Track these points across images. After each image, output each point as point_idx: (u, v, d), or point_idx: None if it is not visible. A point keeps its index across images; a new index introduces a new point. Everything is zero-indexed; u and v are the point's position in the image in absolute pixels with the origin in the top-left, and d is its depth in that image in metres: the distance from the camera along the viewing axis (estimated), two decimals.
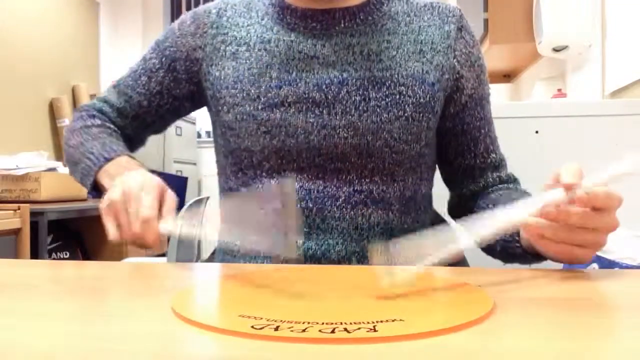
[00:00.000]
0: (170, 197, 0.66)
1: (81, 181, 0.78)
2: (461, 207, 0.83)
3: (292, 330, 0.35)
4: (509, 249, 0.69)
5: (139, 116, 0.85)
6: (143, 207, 0.62)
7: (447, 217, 0.91)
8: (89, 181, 0.76)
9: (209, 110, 0.84)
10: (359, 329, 0.35)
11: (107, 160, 0.75)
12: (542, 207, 0.54)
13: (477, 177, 0.82)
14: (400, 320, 0.38)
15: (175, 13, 4.40)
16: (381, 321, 0.37)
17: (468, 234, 0.55)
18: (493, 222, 0.55)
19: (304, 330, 0.35)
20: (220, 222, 0.59)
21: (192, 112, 0.89)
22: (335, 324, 0.37)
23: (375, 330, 0.35)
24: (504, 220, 0.55)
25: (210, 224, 0.62)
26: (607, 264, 1.04)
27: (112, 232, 0.65)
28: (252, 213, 0.63)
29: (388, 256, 0.51)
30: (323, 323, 0.37)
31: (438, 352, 0.32)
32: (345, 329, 0.35)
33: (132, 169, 0.71)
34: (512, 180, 0.83)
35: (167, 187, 0.68)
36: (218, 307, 0.45)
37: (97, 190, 0.76)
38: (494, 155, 0.82)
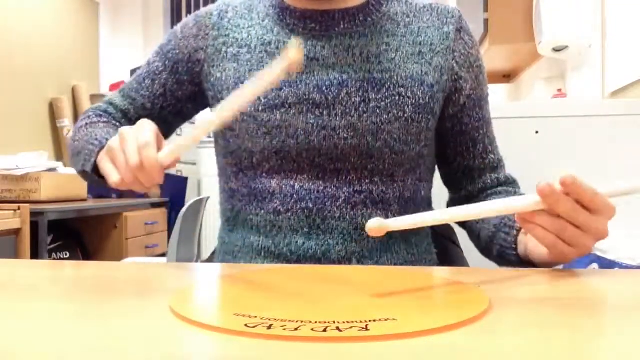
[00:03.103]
0: (164, 141, 0.64)
1: (82, 167, 0.76)
2: None
3: (284, 329, 0.35)
4: (505, 255, 0.70)
5: (142, 119, 0.85)
6: (140, 137, 0.60)
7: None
8: (90, 163, 0.73)
9: (212, 111, 0.84)
10: (351, 328, 0.36)
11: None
12: (537, 187, 0.55)
13: (475, 178, 0.82)
14: (393, 319, 0.38)
15: (175, 13, 4.40)
16: (374, 320, 0.37)
17: (459, 208, 0.56)
18: (487, 205, 0.57)
19: (296, 329, 0.35)
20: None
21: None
22: (328, 323, 0.37)
23: (367, 330, 0.35)
24: (497, 206, 0.56)
25: (202, 121, 0.58)
26: (607, 264, 1.04)
27: (112, 174, 0.62)
28: None
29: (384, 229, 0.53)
30: (316, 322, 0.37)
31: (430, 352, 0.32)
32: (338, 328, 0.35)
33: None
34: (511, 182, 0.83)
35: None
36: (214, 306, 0.46)
37: (98, 176, 0.74)
38: (492, 156, 0.82)
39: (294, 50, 0.52)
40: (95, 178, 0.74)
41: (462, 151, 0.81)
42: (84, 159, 0.76)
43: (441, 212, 0.56)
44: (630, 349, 0.33)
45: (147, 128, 0.62)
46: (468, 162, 0.81)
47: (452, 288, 0.51)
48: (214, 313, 0.43)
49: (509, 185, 0.82)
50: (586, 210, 0.54)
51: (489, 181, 0.81)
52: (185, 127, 0.58)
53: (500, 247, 0.71)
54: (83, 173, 0.78)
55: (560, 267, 0.63)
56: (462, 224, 0.86)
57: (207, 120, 0.58)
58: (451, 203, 0.87)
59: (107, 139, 0.72)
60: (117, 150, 0.62)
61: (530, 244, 0.65)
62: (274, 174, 0.75)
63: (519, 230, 0.68)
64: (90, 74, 3.74)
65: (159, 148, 0.61)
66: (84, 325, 0.39)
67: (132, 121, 0.86)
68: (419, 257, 0.78)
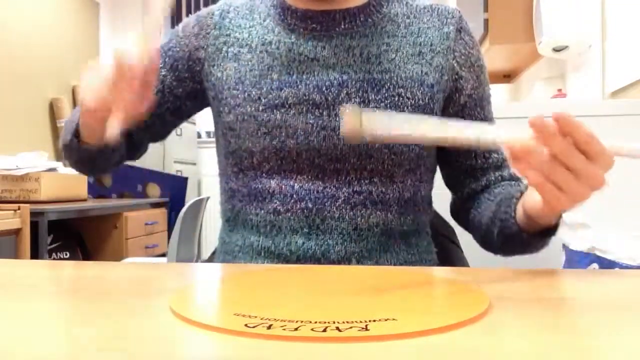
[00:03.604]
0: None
1: (64, 138, 0.74)
2: (463, 208, 0.83)
3: (284, 329, 0.35)
4: (506, 230, 0.68)
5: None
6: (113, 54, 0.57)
7: (448, 218, 0.91)
8: (73, 126, 0.72)
9: (212, 111, 0.84)
10: (350, 328, 0.36)
11: None
12: (529, 120, 0.51)
13: (479, 177, 0.81)
14: (393, 319, 0.38)
15: (175, 13, 4.40)
16: (374, 320, 0.37)
17: (449, 123, 0.54)
18: (479, 128, 0.53)
19: (296, 329, 0.35)
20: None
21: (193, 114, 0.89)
22: (328, 323, 0.37)
23: (367, 330, 0.35)
24: (490, 132, 0.54)
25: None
26: (607, 264, 1.04)
27: (88, 92, 0.59)
28: None
29: (359, 119, 0.50)
30: (315, 322, 0.37)
31: (429, 352, 0.32)
32: (337, 328, 0.35)
33: None
34: (516, 178, 0.82)
35: None
36: (214, 306, 0.46)
37: (78, 140, 0.72)
38: (495, 155, 0.81)
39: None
40: (75, 144, 0.73)
41: (463, 151, 0.81)
42: (66, 131, 0.75)
43: (428, 124, 0.52)
44: (630, 349, 0.33)
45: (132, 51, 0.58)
46: (470, 161, 0.81)
47: (452, 288, 0.51)
48: (214, 313, 0.43)
49: (514, 182, 0.82)
50: (581, 154, 0.51)
51: (492, 178, 0.80)
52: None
53: (500, 222, 0.69)
54: (67, 148, 0.76)
55: (561, 267, 0.63)
56: (463, 222, 0.84)
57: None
58: (454, 203, 0.86)
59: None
60: (92, 72, 0.58)
61: (525, 199, 0.63)
62: (274, 174, 0.75)
63: (517, 199, 0.67)
64: None
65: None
66: (84, 325, 0.39)
67: None
68: (419, 257, 0.78)
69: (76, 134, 0.74)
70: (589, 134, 0.50)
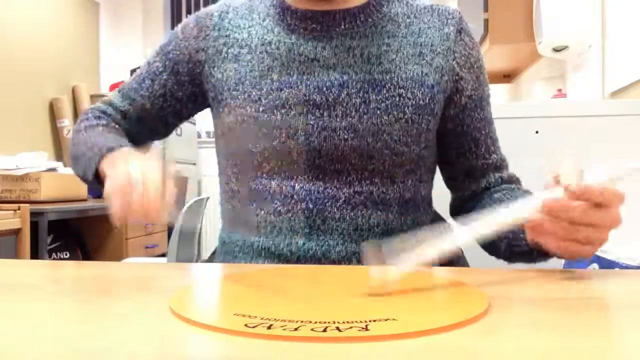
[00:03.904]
0: (168, 181, 0.64)
1: (83, 174, 0.77)
2: (463, 209, 0.83)
3: (284, 329, 0.35)
4: (514, 248, 0.69)
5: (142, 119, 0.86)
6: (148, 188, 0.60)
7: (448, 219, 0.91)
8: (91, 171, 0.73)
9: (212, 112, 0.84)
10: (350, 328, 0.36)
11: (111, 150, 0.72)
12: (543, 203, 0.54)
13: (478, 178, 0.81)
14: (393, 319, 0.38)
15: (175, 13, 4.40)
16: (374, 320, 0.37)
17: (466, 231, 0.55)
18: (493, 219, 0.55)
19: (296, 329, 0.35)
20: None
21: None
22: (328, 323, 0.37)
23: (367, 330, 0.35)
24: (504, 218, 0.55)
25: None
26: (607, 264, 1.04)
27: (115, 214, 0.61)
28: None
29: (382, 256, 0.51)
30: (316, 322, 0.37)
31: (429, 352, 0.32)
32: (337, 328, 0.35)
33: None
34: (515, 180, 0.83)
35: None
36: (214, 306, 0.46)
37: (99, 182, 0.75)
38: (495, 156, 0.82)
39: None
40: (96, 185, 0.75)
41: (464, 152, 0.81)
42: (84, 166, 0.76)
43: (445, 241, 0.53)
44: (630, 349, 0.33)
45: (154, 174, 0.62)
46: (470, 162, 0.81)
47: (452, 288, 0.51)
48: (214, 313, 0.43)
49: (513, 184, 0.82)
50: (597, 207, 0.53)
51: (492, 180, 0.81)
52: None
53: (507, 240, 0.69)
54: (84, 179, 0.78)
55: (561, 267, 0.63)
56: (463, 222, 0.85)
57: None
58: (454, 203, 0.86)
59: (107, 147, 0.72)
60: (123, 194, 0.61)
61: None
62: (274, 175, 0.75)
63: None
64: (90, 74, 3.74)
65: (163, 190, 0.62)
66: (84, 325, 0.39)
67: (131, 121, 0.86)
68: None
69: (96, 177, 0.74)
70: (601, 189, 0.52)
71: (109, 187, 0.64)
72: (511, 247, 0.70)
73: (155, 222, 0.60)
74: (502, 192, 0.78)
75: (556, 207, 0.53)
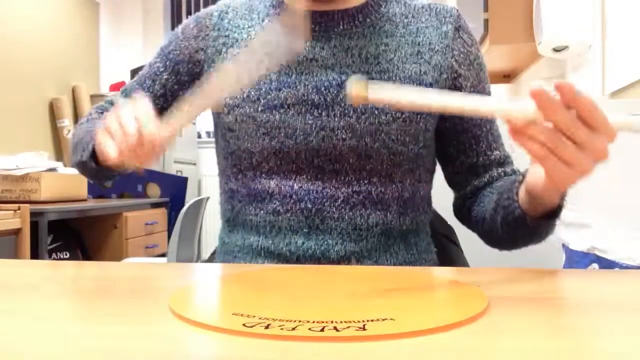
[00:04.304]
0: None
1: (80, 157, 0.75)
2: (466, 205, 0.82)
3: (282, 329, 0.35)
4: (509, 216, 0.67)
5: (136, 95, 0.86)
6: (138, 111, 0.59)
7: (448, 219, 0.91)
8: (88, 150, 0.72)
9: (211, 111, 0.84)
10: (348, 327, 0.36)
11: None
12: (531, 91, 0.49)
13: (481, 174, 0.80)
14: (391, 319, 0.38)
15: (175, 13, 4.40)
16: (371, 320, 0.37)
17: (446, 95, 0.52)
18: (481, 100, 0.53)
19: (293, 329, 0.35)
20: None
21: None
22: (326, 322, 0.37)
23: (364, 329, 0.35)
24: (490, 105, 0.53)
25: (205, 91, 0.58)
26: (607, 264, 1.04)
27: (110, 150, 0.59)
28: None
29: (366, 94, 0.50)
30: (313, 322, 0.37)
31: (427, 351, 0.32)
32: (335, 328, 0.36)
33: None
34: (518, 173, 0.81)
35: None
36: (213, 306, 0.46)
37: (96, 163, 0.73)
38: (497, 153, 0.81)
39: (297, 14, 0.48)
40: (92, 166, 0.73)
41: (464, 149, 0.80)
42: (82, 149, 0.75)
43: (431, 96, 0.51)
44: (630, 349, 0.33)
45: (143, 102, 0.60)
46: (472, 159, 0.80)
47: (451, 288, 0.51)
48: (213, 313, 0.43)
49: (516, 175, 0.80)
50: (584, 126, 0.49)
51: (495, 175, 0.79)
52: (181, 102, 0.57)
53: (503, 210, 0.68)
54: (82, 165, 0.77)
55: (561, 267, 0.63)
56: (466, 219, 0.83)
57: (204, 94, 0.57)
58: (456, 201, 0.86)
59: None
60: (114, 125, 0.60)
61: (528, 177, 0.61)
62: (273, 175, 0.75)
63: (520, 182, 0.65)
64: (90, 74, 3.74)
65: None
66: (84, 325, 0.39)
67: None
68: (418, 256, 0.78)
69: (93, 154, 0.73)
70: (592, 104, 0.49)
71: (100, 131, 0.62)
72: (506, 218, 0.67)
73: (154, 142, 0.57)
74: (503, 180, 0.77)
75: (543, 95, 0.48)
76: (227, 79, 0.54)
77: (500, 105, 0.52)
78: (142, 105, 0.60)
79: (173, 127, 0.58)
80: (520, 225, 0.66)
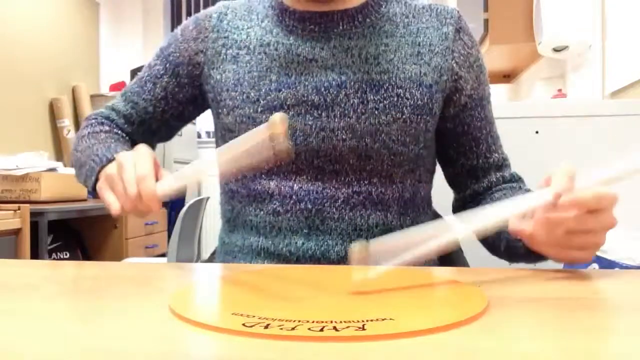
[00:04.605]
0: (161, 167, 0.65)
1: (85, 182, 0.78)
2: (465, 209, 0.83)
3: (281, 329, 0.35)
4: (512, 249, 0.69)
5: (145, 122, 0.86)
6: (139, 167, 0.61)
7: (448, 219, 0.91)
8: (91, 181, 0.75)
9: (212, 112, 0.84)
10: (347, 327, 0.36)
11: (110, 160, 0.74)
12: (536, 219, 0.54)
13: (480, 177, 0.81)
14: (390, 319, 0.38)
15: (175, 13, 4.40)
16: (371, 320, 0.37)
17: (458, 227, 0.54)
18: (483, 218, 0.55)
19: (293, 329, 0.35)
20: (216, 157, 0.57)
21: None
22: (325, 322, 0.37)
23: (364, 329, 0.35)
24: (494, 218, 0.55)
25: (204, 162, 0.60)
26: (607, 264, 1.04)
27: (112, 203, 0.63)
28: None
29: (366, 257, 0.51)
30: (313, 322, 0.37)
31: (427, 351, 0.32)
32: (335, 328, 0.36)
33: None
34: (516, 179, 0.82)
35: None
36: (213, 306, 0.46)
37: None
38: (496, 155, 0.81)
39: (278, 124, 0.50)
40: (96, 194, 0.75)
41: (464, 151, 0.81)
42: (85, 175, 0.77)
43: (435, 227, 0.53)
44: (630, 349, 0.33)
45: (145, 157, 0.63)
46: (472, 161, 0.81)
47: (450, 288, 0.51)
48: (213, 313, 0.43)
49: (515, 183, 0.82)
50: (591, 213, 0.54)
51: (494, 179, 0.81)
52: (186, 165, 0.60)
53: (506, 240, 0.70)
54: (85, 185, 0.79)
55: (560, 266, 0.63)
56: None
57: (208, 163, 0.59)
58: (456, 203, 0.86)
59: (107, 157, 0.73)
60: (116, 179, 0.63)
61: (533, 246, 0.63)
62: (273, 175, 0.75)
63: None
64: (90, 74, 3.74)
65: (157, 175, 0.62)
66: (84, 325, 0.39)
67: (134, 125, 0.86)
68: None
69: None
70: (594, 195, 0.53)
71: (101, 180, 0.65)
72: (509, 249, 0.70)
73: (151, 202, 0.60)
74: (502, 192, 0.78)
75: (551, 220, 0.54)
76: (223, 159, 0.57)
77: (506, 217, 0.55)
78: (144, 160, 0.62)
79: (171, 189, 0.61)
80: (523, 256, 0.68)
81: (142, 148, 0.65)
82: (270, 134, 0.50)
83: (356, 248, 0.50)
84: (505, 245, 0.71)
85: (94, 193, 0.77)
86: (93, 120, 0.86)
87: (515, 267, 0.67)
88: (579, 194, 0.53)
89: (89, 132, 0.83)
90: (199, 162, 0.61)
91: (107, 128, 0.84)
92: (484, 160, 0.81)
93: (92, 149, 0.77)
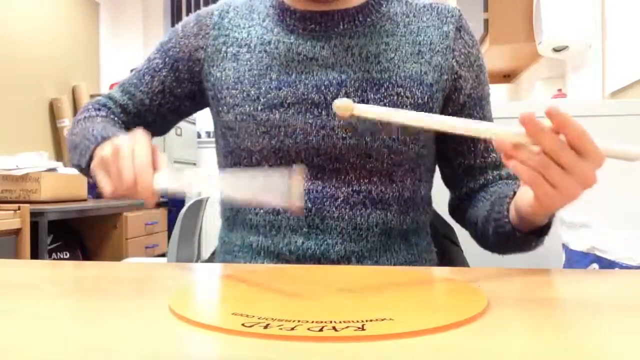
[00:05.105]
0: (159, 154, 0.63)
1: (78, 161, 0.77)
2: (461, 206, 0.83)
3: (281, 329, 0.35)
4: (500, 229, 0.68)
5: (141, 114, 0.86)
6: (137, 156, 0.60)
7: (448, 219, 0.91)
8: (85, 159, 0.73)
9: (211, 111, 0.84)
10: (347, 327, 0.36)
11: (105, 139, 0.72)
12: (521, 117, 0.50)
13: (477, 176, 0.81)
14: (390, 319, 0.38)
15: (175, 13, 4.40)
16: (370, 320, 0.37)
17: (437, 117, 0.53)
18: (471, 122, 0.53)
19: (292, 329, 0.35)
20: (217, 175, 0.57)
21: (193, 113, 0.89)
22: (324, 322, 0.37)
23: (363, 329, 0.35)
24: (476, 127, 0.53)
25: (204, 175, 0.60)
26: (607, 264, 1.04)
27: (105, 187, 0.62)
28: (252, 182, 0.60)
29: (351, 113, 0.52)
30: (312, 322, 0.37)
31: (426, 351, 0.32)
32: (334, 328, 0.36)
33: None
34: (513, 177, 0.82)
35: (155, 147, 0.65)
36: (212, 306, 0.46)
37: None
38: (494, 155, 0.81)
39: (297, 184, 0.50)
40: (89, 174, 0.74)
41: (462, 150, 0.81)
42: (79, 154, 0.76)
43: (419, 115, 0.53)
44: (630, 349, 0.33)
45: (143, 143, 0.61)
46: (469, 161, 0.81)
47: (450, 288, 0.51)
48: (212, 313, 0.43)
49: (511, 180, 0.81)
50: (572, 151, 0.50)
51: (490, 177, 0.80)
52: (190, 169, 0.59)
53: (494, 222, 0.69)
54: (79, 168, 0.79)
55: (561, 267, 0.63)
56: (461, 220, 0.84)
57: (212, 180, 0.59)
58: (452, 202, 0.86)
59: (102, 136, 0.72)
60: (111, 163, 0.61)
61: (518, 197, 0.62)
62: None
63: (511, 198, 0.66)
64: (90, 74, 3.74)
65: (154, 163, 0.61)
66: (84, 325, 0.39)
67: (130, 115, 0.86)
68: (419, 256, 0.78)
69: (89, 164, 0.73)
70: (581, 130, 0.50)
71: (95, 160, 0.64)
72: (497, 230, 0.69)
73: (147, 194, 0.59)
74: (498, 186, 0.78)
75: (530, 119, 0.49)
76: (227, 185, 0.57)
77: (489, 127, 0.53)
78: (142, 147, 0.60)
79: (166, 187, 0.59)
80: (510, 238, 0.67)
81: (140, 133, 0.63)
82: (289, 186, 0.50)
83: (341, 103, 0.50)
84: (493, 229, 0.69)
85: (88, 173, 0.76)
86: (90, 107, 0.86)
87: (515, 267, 0.67)
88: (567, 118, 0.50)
89: (85, 117, 0.83)
90: (202, 177, 0.60)
91: (103, 113, 0.84)
92: (481, 160, 0.81)
93: (88, 130, 0.77)
